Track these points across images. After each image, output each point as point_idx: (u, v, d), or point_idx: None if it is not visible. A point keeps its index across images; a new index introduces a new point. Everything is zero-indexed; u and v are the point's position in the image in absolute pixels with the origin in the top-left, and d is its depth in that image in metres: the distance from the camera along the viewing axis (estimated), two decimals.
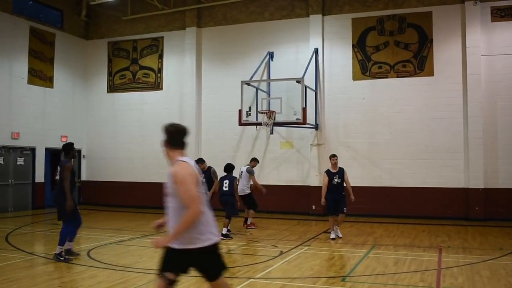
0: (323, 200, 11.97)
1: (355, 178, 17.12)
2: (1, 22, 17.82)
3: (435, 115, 16.72)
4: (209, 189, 12.40)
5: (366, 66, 17.50)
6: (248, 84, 16.38)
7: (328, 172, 12.21)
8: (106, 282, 7.89)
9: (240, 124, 16.26)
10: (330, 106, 17.79)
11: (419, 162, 16.85)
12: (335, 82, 17.81)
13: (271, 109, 16.04)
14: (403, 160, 16.97)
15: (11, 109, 18.13)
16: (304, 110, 15.35)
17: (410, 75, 17.03)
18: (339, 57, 17.84)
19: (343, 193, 12.07)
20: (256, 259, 9.60)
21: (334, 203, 11.98)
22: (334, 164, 12.19)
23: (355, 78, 17.62)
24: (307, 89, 16.41)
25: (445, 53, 16.75)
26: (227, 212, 12.51)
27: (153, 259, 9.73)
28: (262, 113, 15.82)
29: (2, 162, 17.82)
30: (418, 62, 16.96)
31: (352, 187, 16.94)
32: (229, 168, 13.18)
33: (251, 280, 7.85)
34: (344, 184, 12.25)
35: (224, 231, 12.14)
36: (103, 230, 13.84)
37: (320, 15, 17.91)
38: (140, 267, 8.78)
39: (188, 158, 4.59)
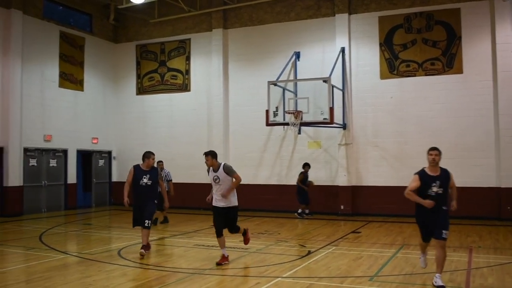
0: (429, 202, 7.31)
1: (384, 178, 17.25)
2: (32, 27, 18.28)
3: (465, 113, 16.49)
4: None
5: (393, 65, 17.38)
6: (275, 85, 16.44)
7: (422, 175, 7.50)
8: (136, 280, 8.05)
9: (268, 124, 16.33)
10: (358, 105, 17.73)
11: (449, 161, 16.35)
12: (362, 81, 17.75)
13: (298, 109, 16.11)
14: None
15: (43, 112, 18.59)
16: (331, 109, 15.35)
17: (439, 73, 16.84)
18: (366, 56, 17.76)
19: (444, 207, 7.47)
20: (283, 259, 9.66)
21: (429, 223, 7.56)
22: (433, 162, 7.40)
23: (382, 77, 17.52)
24: (334, 88, 16.41)
25: (474, 50, 16.50)
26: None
27: (181, 258, 9.90)
28: (289, 113, 15.88)
29: (35, 164, 18.28)
30: (447, 60, 16.76)
31: (381, 187, 16.90)
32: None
33: (279, 279, 7.91)
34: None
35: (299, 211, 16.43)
36: (134, 230, 14.04)
37: (346, 14, 17.86)
38: (169, 266, 8.93)
39: None
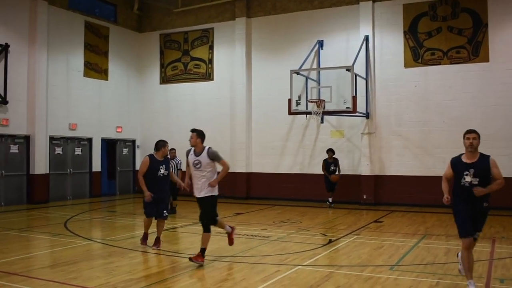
0: (445, 198, 6.49)
1: (408, 167, 17.10)
2: (58, 17, 18.52)
3: (491, 102, 16.23)
4: None
5: (418, 53, 17.16)
6: (298, 73, 16.38)
7: (455, 161, 6.72)
8: (157, 267, 8.19)
9: (290, 113, 16.31)
10: (381, 94, 17.58)
11: None
12: (386, 70, 17.58)
13: (321, 98, 16.06)
14: (456, 149, 16.12)
15: (69, 101, 18.87)
16: (354, 98, 15.24)
17: (464, 61, 16.58)
18: (390, 44, 17.57)
19: (485, 204, 6.51)
20: (304, 247, 9.69)
21: (470, 217, 6.48)
22: (470, 147, 6.48)
23: (407, 65, 17.32)
24: (357, 77, 16.28)
25: (501, 38, 16.18)
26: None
27: None
28: (311, 102, 15.84)
29: (61, 152, 18.60)
30: (473, 48, 16.48)
31: (404, 176, 16.78)
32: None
33: (299, 267, 7.95)
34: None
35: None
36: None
37: (370, 2, 17.68)
38: (190, 253, 9.03)
39: None
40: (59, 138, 18.49)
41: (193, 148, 8.25)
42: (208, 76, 20.76)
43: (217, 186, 8.22)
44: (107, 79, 20.60)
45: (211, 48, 20.71)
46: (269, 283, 6.99)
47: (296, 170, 18.84)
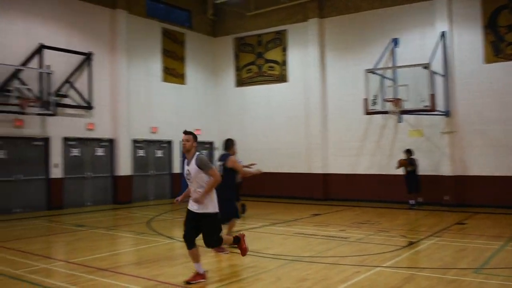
0: None
1: (491, 167, 16.43)
2: (137, 25, 19.30)
3: None
4: None
5: (499, 48, 16.47)
6: (373, 73, 16.21)
7: None
8: (237, 265, 8.38)
9: (366, 113, 16.15)
10: (461, 91, 17.00)
11: None
12: (465, 66, 16.98)
13: (397, 97, 15.81)
14: None
15: (149, 106, 19.61)
16: (432, 96, 14.89)
17: None
18: (468, 39, 16.96)
19: None
20: (384, 249, 9.59)
21: None
22: None
23: (487, 61, 16.65)
24: (435, 74, 15.89)
25: None
26: None
27: (282, 245, 10.13)
28: (388, 101, 15.62)
29: (143, 155, 19.39)
30: None
31: (488, 176, 16.20)
32: None
33: (379, 268, 7.90)
34: None
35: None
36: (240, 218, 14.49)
37: None
38: (270, 253, 9.18)
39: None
40: (141, 141, 19.27)
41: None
42: (282, 77, 20.92)
43: (215, 202, 7.03)
44: (184, 83, 21.22)
45: (285, 49, 20.86)
46: (349, 284, 7.00)
47: (373, 170, 18.58)
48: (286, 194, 19.90)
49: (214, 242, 7.16)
